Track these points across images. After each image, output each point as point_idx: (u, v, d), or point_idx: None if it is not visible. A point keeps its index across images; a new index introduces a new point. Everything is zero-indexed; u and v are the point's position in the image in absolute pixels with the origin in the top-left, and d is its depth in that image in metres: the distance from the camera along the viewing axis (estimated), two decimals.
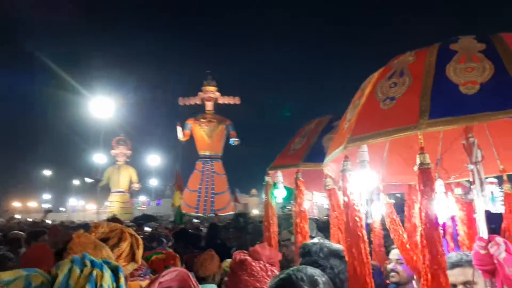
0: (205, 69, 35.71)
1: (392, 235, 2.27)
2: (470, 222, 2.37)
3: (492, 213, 1.82)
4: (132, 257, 1.53)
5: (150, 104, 54.02)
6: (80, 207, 52.72)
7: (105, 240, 1.46)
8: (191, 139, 33.23)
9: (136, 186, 38.27)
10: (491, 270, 1.57)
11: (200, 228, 10.77)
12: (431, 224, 1.44)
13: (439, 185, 1.95)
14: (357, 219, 1.69)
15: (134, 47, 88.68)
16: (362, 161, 1.66)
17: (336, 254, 1.97)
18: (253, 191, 51.89)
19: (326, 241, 2.07)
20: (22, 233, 6.30)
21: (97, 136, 36.02)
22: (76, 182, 54.46)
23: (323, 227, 4.91)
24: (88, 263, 1.13)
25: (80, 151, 45.38)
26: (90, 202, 50.86)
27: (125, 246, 1.51)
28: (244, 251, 2.11)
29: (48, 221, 13.91)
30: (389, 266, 2.89)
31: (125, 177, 37.17)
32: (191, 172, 33.48)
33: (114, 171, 36.78)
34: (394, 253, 2.83)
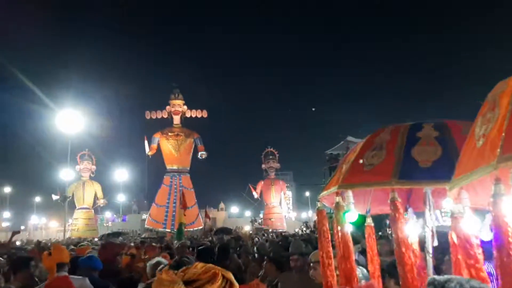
0: (172, 82, 35.50)
1: None
2: None
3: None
4: None
5: (117, 117, 53.13)
6: (42, 225, 50.84)
7: (194, 282, 1.32)
8: (159, 153, 32.83)
9: (101, 202, 37.37)
10: None
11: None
12: None
13: None
14: None
15: (101, 60, 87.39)
16: None
17: None
18: (221, 205, 51.55)
19: (462, 278, 1.67)
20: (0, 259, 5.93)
21: (61, 151, 34.97)
22: (37, 199, 52.56)
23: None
24: None
25: (43, 166, 43.94)
26: (52, 219, 49.16)
27: None
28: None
29: (17, 243, 13.13)
30: None
31: (90, 193, 36.24)
32: (158, 187, 33.05)
33: (78, 187, 35.81)
34: None
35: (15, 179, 53.49)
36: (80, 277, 4.35)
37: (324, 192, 2.57)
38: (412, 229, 2.34)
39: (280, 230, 28.56)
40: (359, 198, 2.52)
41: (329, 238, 2.51)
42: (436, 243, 2.39)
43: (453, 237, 2.02)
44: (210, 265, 1.40)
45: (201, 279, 1.33)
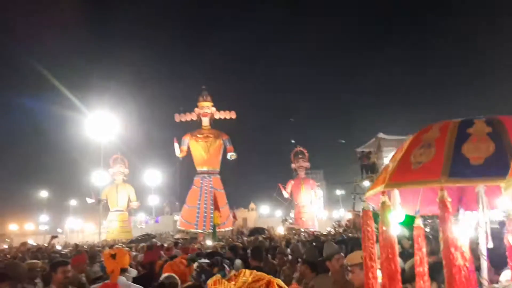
0: (201, 85, 35.76)
1: None
2: None
3: None
4: None
5: (148, 121, 53.97)
6: (78, 228, 52.18)
7: None
8: (190, 155, 33.11)
9: (134, 204, 38.05)
10: None
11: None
12: None
13: None
14: None
15: (131, 64, 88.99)
16: None
17: None
18: (252, 205, 51.65)
19: None
20: (38, 261, 6.05)
21: (95, 155, 35.81)
22: (73, 202, 53.99)
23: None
24: None
25: (77, 171, 45.08)
26: (88, 222, 50.37)
27: None
28: None
29: (59, 247, 13.44)
30: None
31: (123, 195, 36.95)
32: (189, 188, 33.34)
33: (112, 190, 36.56)
34: None
35: (52, 184, 55.13)
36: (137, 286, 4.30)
37: (370, 192, 2.47)
38: (464, 230, 2.21)
39: (311, 230, 28.32)
40: (408, 198, 2.42)
41: (374, 240, 2.41)
42: (491, 245, 2.26)
43: (509, 240, 1.93)
44: (259, 272, 1.32)
45: None
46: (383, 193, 2.33)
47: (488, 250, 2.34)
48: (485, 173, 2.00)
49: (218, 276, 1.28)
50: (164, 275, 4.24)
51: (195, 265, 5.08)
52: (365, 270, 2.47)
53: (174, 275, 4.22)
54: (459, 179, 2.08)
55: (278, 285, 1.28)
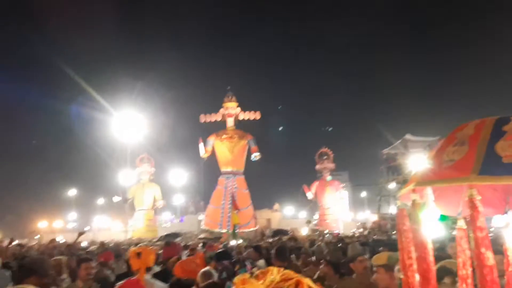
0: (226, 86, 35.96)
1: None
2: None
3: None
4: None
5: (173, 121, 54.55)
6: (105, 226, 53.17)
7: None
8: (214, 155, 33.34)
9: (160, 203, 38.55)
10: None
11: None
12: None
13: None
14: None
15: (158, 65, 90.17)
16: None
17: None
18: (276, 206, 51.57)
19: None
20: (63, 258, 6.20)
21: (122, 155, 36.46)
22: (100, 201, 55.05)
23: None
24: None
25: (105, 170, 45.95)
26: (115, 220, 51.24)
27: None
28: None
29: (84, 243, 13.68)
30: None
31: (149, 195, 37.49)
32: (213, 189, 33.57)
33: (138, 189, 37.15)
34: None
35: (80, 182, 56.36)
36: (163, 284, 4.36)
37: (403, 190, 2.47)
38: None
39: (336, 232, 28.12)
40: (451, 199, 2.38)
41: (410, 238, 2.40)
42: None
43: None
44: (288, 271, 1.28)
45: (284, 287, 1.19)
46: (414, 191, 2.30)
47: None
48: None
49: (246, 274, 1.23)
50: (202, 270, 4.28)
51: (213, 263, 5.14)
52: (402, 269, 2.47)
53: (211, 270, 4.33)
54: (489, 176, 2.04)
55: (308, 285, 1.24)
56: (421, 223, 2.27)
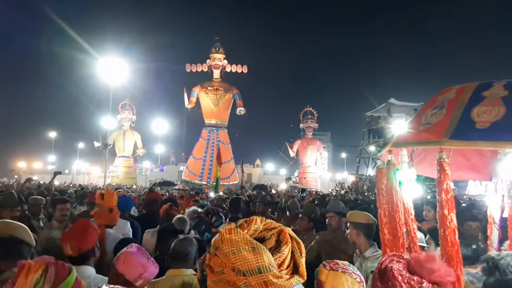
0: (214, 36, 35.05)
1: None
2: None
3: None
4: (294, 269, 1.21)
5: (158, 69, 53.54)
6: (85, 171, 53.09)
7: (259, 240, 1.19)
8: (198, 107, 33.00)
9: (140, 151, 38.42)
10: None
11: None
12: None
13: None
14: None
15: (144, 11, 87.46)
16: None
17: None
18: (257, 161, 51.99)
19: None
20: (42, 198, 6.22)
21: (104, 100, 35.82)
22: (81, 145, 54.66)
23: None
24: None
25: (86, 114, 45.31)
26: (94, 165, 51.12)
27: (287, 251, 1.20)
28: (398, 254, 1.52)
29: (56, 183, 13.63)
30: None
31: (130, 142, 37.26)
32: (196, 140, 33.47)
33: (119, 136, 36.83)
34: None
35: (60, 125, 55.75)
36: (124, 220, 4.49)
37: (383, 151, 2.53)
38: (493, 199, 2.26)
39: (314, 189, 28.55)
40: (433, 162, 2.29)
41: (387, 197, 2.43)
42: (506, 214, 2.28)
43: None
44: (270, 220, 1.28)
45: (267, 238, 1.21)
46: (390, 151, 2.39)
47: (502, 219, 2.34)
48: (489, 137, 1.95)
49: (232, 224, 1.22)
50: (177, 216, 4.61)
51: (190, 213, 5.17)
52: (380, 227, 2.49)
53: (185, 217, 4.63)
54: (460, 141, 2.05)
55: (289, 234, 1.25)
56: (396, 183, 2.32)
